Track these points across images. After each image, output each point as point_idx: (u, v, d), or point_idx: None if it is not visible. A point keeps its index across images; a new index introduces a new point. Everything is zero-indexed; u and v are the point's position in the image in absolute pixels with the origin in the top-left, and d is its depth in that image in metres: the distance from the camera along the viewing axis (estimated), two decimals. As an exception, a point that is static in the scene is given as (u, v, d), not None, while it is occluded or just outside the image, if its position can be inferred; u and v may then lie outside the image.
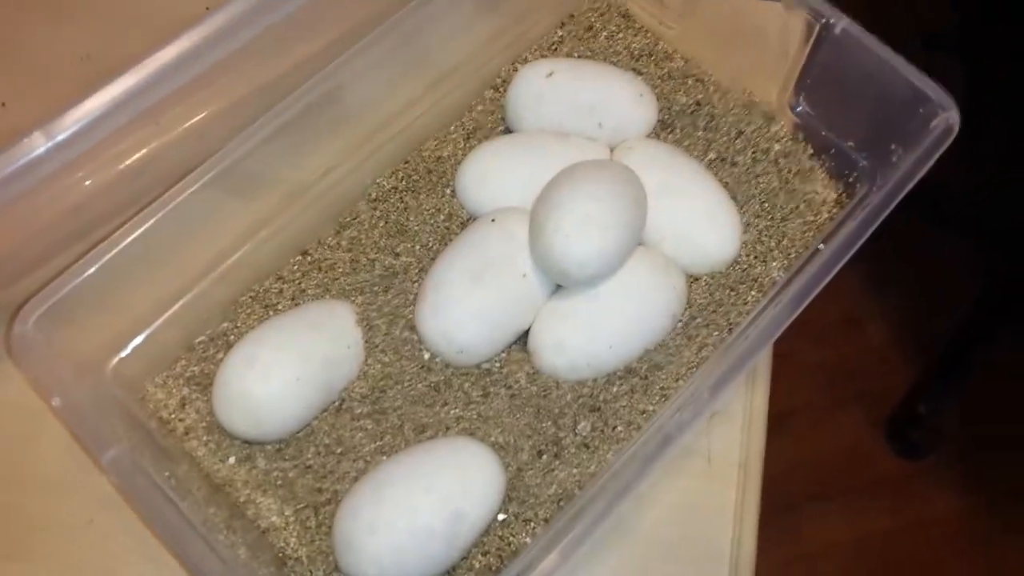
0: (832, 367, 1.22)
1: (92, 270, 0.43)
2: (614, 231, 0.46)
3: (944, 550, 1.12)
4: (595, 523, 0.40)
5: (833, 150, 0.54)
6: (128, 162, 0.51)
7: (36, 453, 0.49)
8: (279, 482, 0.46)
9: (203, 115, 0.53)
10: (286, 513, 0.45)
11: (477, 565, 0.45)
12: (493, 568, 0.45)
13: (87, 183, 0.50)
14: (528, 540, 0.45)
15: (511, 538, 0.45)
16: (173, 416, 0.47)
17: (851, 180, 0.53)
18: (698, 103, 0.56)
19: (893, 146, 0.50)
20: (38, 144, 0.44)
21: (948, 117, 0.48)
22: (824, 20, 0.50)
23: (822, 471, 1.15)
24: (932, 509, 1.14)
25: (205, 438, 0.47)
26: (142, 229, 0.44)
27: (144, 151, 0.52)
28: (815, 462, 1.15)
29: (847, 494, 1.15)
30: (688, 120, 0.56)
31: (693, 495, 0.49)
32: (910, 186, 0.47)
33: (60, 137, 0.44)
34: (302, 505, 0.46)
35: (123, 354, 0.47)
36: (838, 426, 1.19)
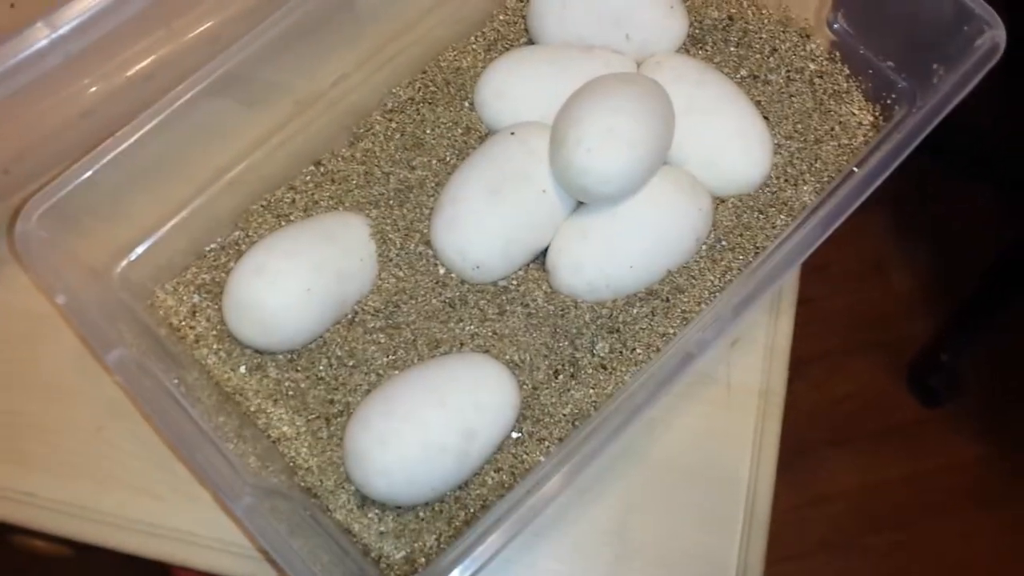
0: (854, 313, 1.20)
1: (97, 167, 0.42)
2: (639, 147, 0.45)
3: (958, 499, 1.11)
4: (608, 440, 0.39)
5: (871, 70, 0.52)
6: (138, 67, 0.50)
7: (44, 359, 0.48)
8: (290, 392, 0.45)
9: (216, 21, 0.51)
10: (297, 423, 0.45)
11: (490, 481, 0.44)
12: (506, 485, 0.44)
13: (94, 88, 0.49)
14: (542, 458, 0.44)
15: (525, 456, 0.44)
16: (183, 324, 0.47)
17: (889, 102, 0.51)
18: (731, 18, 0.54)
19: (935, 66, 0.48)
20: (41, 36, 0.42)
21: (994, 35, 0.46)
22: (867, -69, 0.47)
23: (839, 416, 1.15)
24: (948, 457, 1.13)
25: (216, 346, 0.46)
26: (148, 127, 0.43)
27: (154, 56, 0.50)
28: (832, 407, 1.14)
29: (863, 440, 1.14)
30: (720, 35, 0.53)
31: (712, 422, 0.48)
32: (951, 106, 0.45)
33: (64, 29, 0.43)
34: (313, 416, 0.45)
35: (131, 258, 0.46)
36: (857, 372, 1.18)
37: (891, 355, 1.18)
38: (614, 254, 0.46)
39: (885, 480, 1.13)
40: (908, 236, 1.24)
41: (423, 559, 0.42)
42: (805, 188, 0.50)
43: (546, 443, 0.45)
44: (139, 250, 0.46)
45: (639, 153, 0.45)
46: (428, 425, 0.42)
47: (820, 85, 0.52)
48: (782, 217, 0.49)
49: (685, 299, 0.47)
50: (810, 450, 1.13)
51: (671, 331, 0.47)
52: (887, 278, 1.23)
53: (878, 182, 0.43)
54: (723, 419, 0.48)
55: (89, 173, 0.42)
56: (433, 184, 0.50)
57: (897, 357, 1.18)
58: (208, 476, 0.36)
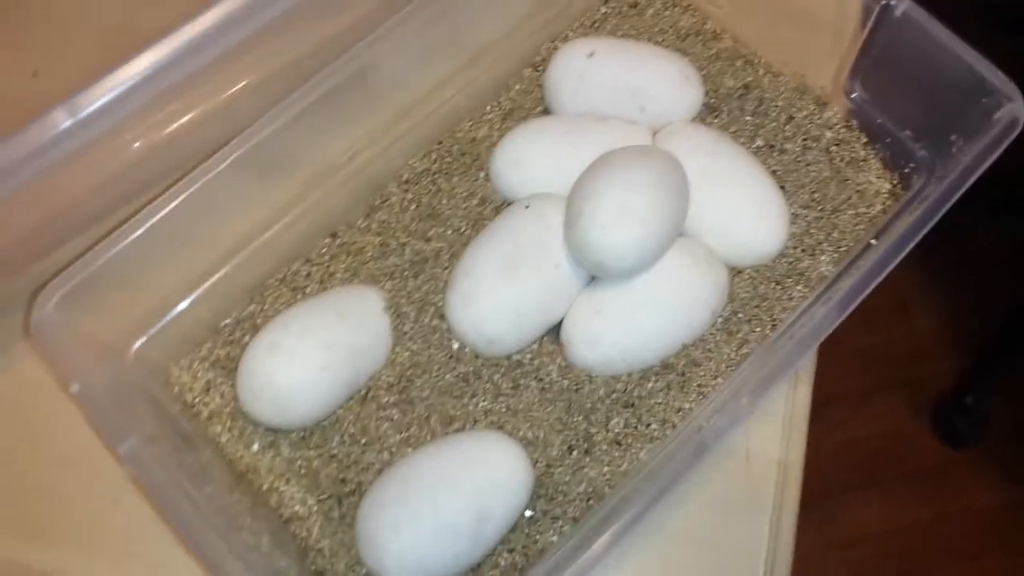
0: (877, 352, 1.18)
1: (115, 251, 0.42)
2: (653, 223, 0.44)
3: (983, 543, 1.09)
4: (627, 527, 0.39)
5: (889, 139, 0.51)
6: (154, 139, 0.50)
7: (60, 432, 0.48)
8: (303, 471, 0.45)
9: (231, 92, 0.51)
10: (309, 503, 0.45)
11: (503, 563, 0.44)
12: (519, 567, 0.43)
13: (112, 160, 0.49)
14: (555, 539, 0.44)
15: (538, 536, 0.44)
16: (198, 400, 0.47)
17: (907, 171, 0.51)
18: (747, 86, 0.54)
19: (953, 137, 0.48)
20: (61, 120, 0.42)
21: (1013, 108, 0.45)
22: (884, 1, 0.47)
23: (861, 458, 1.13)
24: (972, 501, 1.12)
25: (229, 424, 0.46)
26: (167, 210, 0.43)
27: (171, 128, 0.51)
28: (855, 449, 1.13)
29: (886, 482, 1.13)
30: (736, 104, 0.53)
31: (729, 494, 0.48)
32: (971, 181, 0.45)
33: (85, 112, 0.43)
34: (325, 495, 0.45)
35: (147, 337, 0.46)
36: (880, 413, 1.16)
37: (915, 396, 1.17)
38: (629, 328, 0.46)
39: (908, 523, 1.11)
40: (933, 274, 1.22)
41: (436, 643, 0.42)
42: (823, 258, 0.49)
43: (560, 522, 0.44)
44: (155, 327, 0.46)
45: (653, 229, 0.44)
46: (441, 508, 0.41)
47: (837, 153, 0.52)
48: (799, 288, 0.49)
49: (701, 373, 0.47)
50: (833, 492, 1.11)
51: (687, 406, 0.46)
52: (911, 317, 1.22)
53: (897, 259, 0.43)
54: (741, 490, 0.48)
55: (106, 257, 0.42)
56: (448, 256, 0.50)
57: (921, 398, 1.17)
58: (216, 571, 0.36)
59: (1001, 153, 0.45)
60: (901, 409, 1.17)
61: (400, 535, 0.41)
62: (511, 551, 0.44)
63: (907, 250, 0.43)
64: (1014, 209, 1.20)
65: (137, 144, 0.50)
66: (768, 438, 0.49)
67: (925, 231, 0.44)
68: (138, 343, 0.46)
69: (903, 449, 1.15)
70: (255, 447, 0.45)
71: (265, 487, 0.45)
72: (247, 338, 0.47)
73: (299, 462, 0.45)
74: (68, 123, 0.44)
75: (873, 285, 0.43)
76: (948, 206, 0.44)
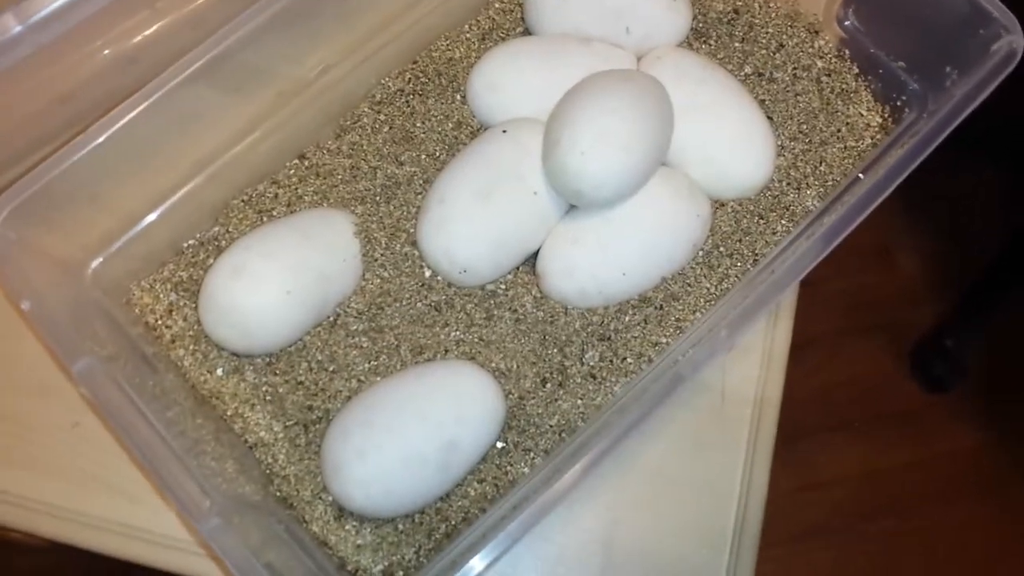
0: (856, 296, 1.18)
1: (69, 163, 0.40)
2: (635, 151, 0.43)
3: (958, 486, 1.10)
4: (598, 459, 0.38)
5: (881, 70, 0.50)
6: (120, 49, 0.48)
7: (18, 354, 0.47)
8: (268, 397, 0.44)
9: (201, 1, 0.49)
10: (275, 429, 0.44)
11: (472, 493, 0.43)
12: (488, 496, 0.43)
13: (74, 71, 0.47)
14: (527, 470, 0.43)
15: (509, 467, 0.43)
16: (160, 323, 0.45)
17: (899, 104, 0.49)
18: (736, 11, 0.52)
19: (948, 69, 0.46)
20: (11, 25, 0.40)
21: (1012, 40, 0.43)
22: (882, -76, 0.45)
23: (838, 401, 1.13)
24: (949, 444, 1.12)
25: (192, 347, 0.45)
26: (125, 120, 0.41)
27: (138, 38, 0.48)
28: (832, 391, 1.13)
29: (862, 425, 1.13)
30: (724, 29, 0.51)
31: (704, 430, 0.47)
32: (964, 115, 0.43)
33: (37, 16, 0.41)
34: (292, 422, 0.44)
35: (105, 255, 0.44)
36: (858, 356, 1.16)
37: (894, 339, 1.16)
38: (607, 260, 0.45)
39: (884, 466, 1.11)
40: (916, 219, 1.21)
41: (402, 573, 0.41)
42: (809, 192, 0.48)
43: (531, 454, 0.43)
44: (115, 245, 0.45)
45: (635, 157, 0.43)
46: (409, 437, 0.40)
47: (827, 84, 0.50)
48: (783, 223, 0.47)
49: (679, 307, 0.46)
50: (808, 434, 1.11)
51: (664, 340, 0.45)
52: (893, 261, 1.21)
53: (885, 195, 0.41)
54: (716, 428, 0.47)
55: (61, 168, 0.40)
56: (421, 181, 0.48)
57: (900, 341, 1.16)
58: (174, 497, 0.35)
59: (992, 91, 0.43)
60: (880, 352, 1.16)
61: (366, 463, 0.40)
62: (481, 481, 0.43)
63: (895, 185, 0.42)
64: (1002, 151, 1.19)
65: (100, 55, 0.48)
66: (745, 376, 0.48)
67: (914, 166, 0.42)
68: (96, 262, 0.44)
69: (881, 392, 1.15)
70: (219, 372, 0.44)
71: (229, 413, 0.44)
72: (210, 260, 0.46)
73: (264, 388, 0.44)
74: (18, 28, 0.42)
75: (859, 220, 0.41)
76: (939, 141, 0.43)
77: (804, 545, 1.07)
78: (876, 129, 0.49)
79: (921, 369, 1.14)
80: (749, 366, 0.48)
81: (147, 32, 0.49)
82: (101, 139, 0.41)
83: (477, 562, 0.36)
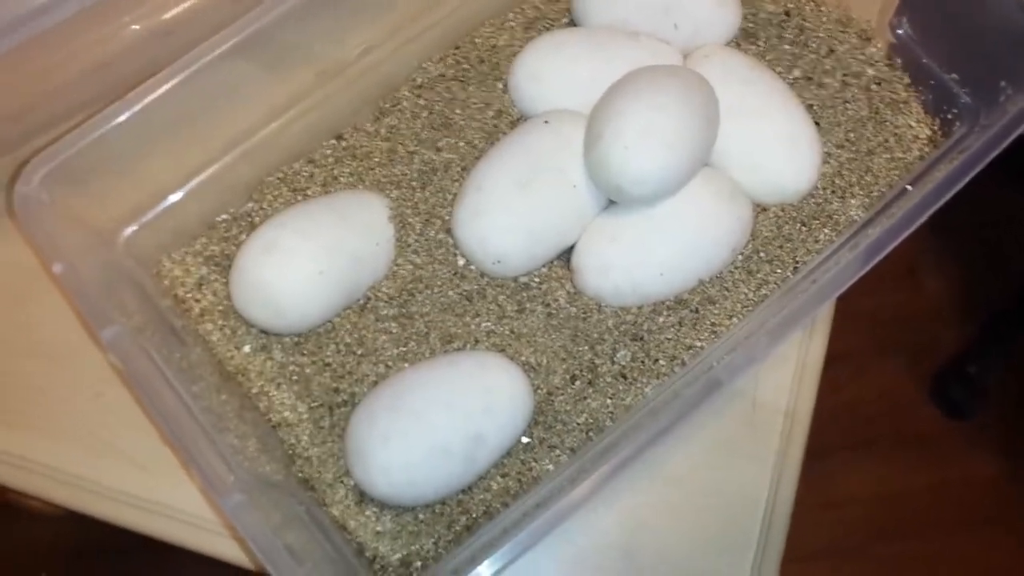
0: (882, 315, 1.16)
1: (106, 128, 0.39)
2: (679, 148, 0.42)
3: (974, 514, 1.09)
4: (625, 462, 0.37)
5: (933, 81, 0.49)
6: (158, 21, 0.48)
7: (45, 318, 0.46)
8: (295, 377, 0.44)
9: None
10: (299, 410, 0.43)
11: (495, 487, 0.42)
12: (511, 491, 0.42)
13: (112, 40, 0.47)
14: (551, 467, 0.42)
15: (533, 463, 0.42)
16: (189, 296, 0.45)
17: (949, 117, 0.48)
18: (787, 13, 0.51)
19: (1002, 84, 0.45)
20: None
21: (1069, 57, 0.42)
22: (942, -69, 0.44)
23: (860, 420, 1.12)
24: (967, 471, 1.11)
25: (221, 322, 0.44)
26: (162, 90, 0.40)
27: (175, 11, 0.48)
28: (854, 410, 1.12)
29: (882, 446, 1.12)
30: (774, 31, 0.50)
31: (733, 439, 0.46)
32: (1018, 132, 0.42)
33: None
34: (317, 403, 0.43)
35: (138, 225, 0.44)
36: (881, 376, 1.15)
37: (917, 362, 1.15)
38: (644, 258, 0.44)
39: (901, 489, 1.10)
40: (945, 241, 1.20)
41: (419, 563, 0.41)
42: (853, 202, 0.47)
43: (557, 451, 0.43)
44: (148, 216, 0.44)
45: (678, 154, 0.42)
46: (435, 426, 0.40)
47: (877, 92, 0.49)
48: (826, 231, 0.46)
49: (716, 311, 0.45)
50: (827, 452, 1.10)
51: (698, 344, 0.44)
52: (920, 282, 1.19)
53: (932, 210, 0.41)
54: (745, 437, 0.46)
55: (97, 134, 0.39)
56: (459, 168, 0.47)
57: (923, 364, 1.15)
58: (198, 470, 0.34)
59: None
60: (903, 374, 1.15)
61: (390, 450, 0.39)
62: (504, 476, 0.42)
63: (943, 201, 0.41)
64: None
65: (138, 25, 0.48)
66: (778, 386, 0.47)
67: (965, 181, 0.41)
68: (129, 230, 0.44)
69: (902, 414, 1.14)
70: (247, 348, 0.44)
71: (255, 390, 0.43)
72: (243, 236, 0.45)
73: (291, 367, 0.44)
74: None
75: (904, 235, 0.40)
76: (990, 159, 0.42)
77: (817, 565, 1.06)
78: (925, 141, 0.48)
79: (942, 394, 1.13)
80: (783, 376, 0.47)
81: (186, 4, 0.48)
82: (138, 107, 0.41)
83: (496, 560, 0.35)
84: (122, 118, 0.40)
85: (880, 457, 1.11)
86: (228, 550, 0.44)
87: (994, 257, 1.18)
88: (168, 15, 0.48)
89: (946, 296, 1.18)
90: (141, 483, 0.44)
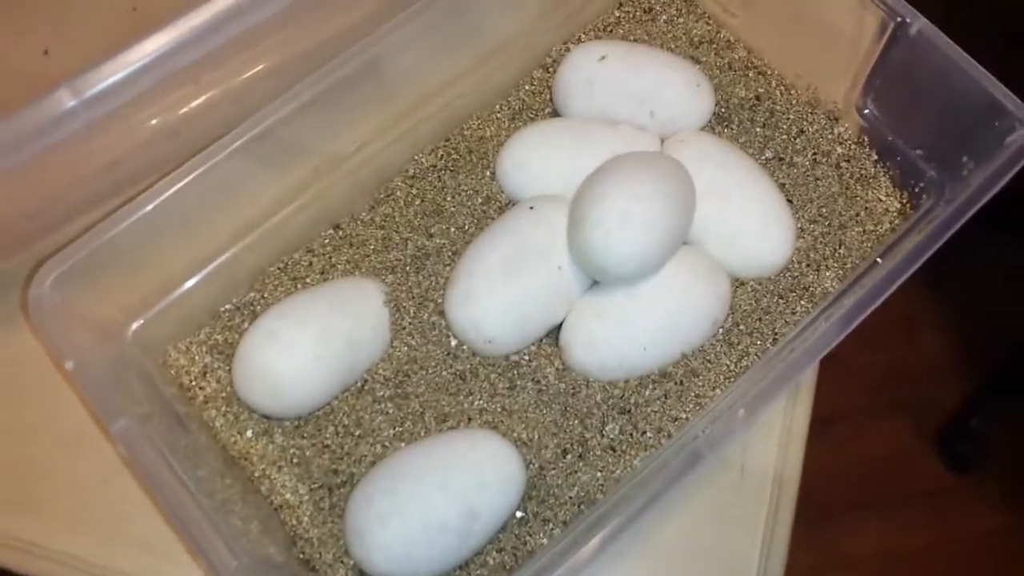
0: (881, 372, 1.17)
1: (115, 231, 0.42)
2: (658, 230, 0.44)
3: (984, 569, 1.08)
4: (617, 532, 0.38)
5: (899, 157, 0.51)
6: (164, 122, 0.50)
7: (55, 409, 0.48)
8: (295, 459, 0.45)
9: (243, 77, 0.51)
10: (300, 491, 0.45)
11: (491, 562, 0.43)
12: (507, 567, 0.43)
13: (122, 141, 0.49)
14: (545, 541, 0.44)
15: (528, 537, 0.44)
16: (194, 384, 0.47)
17: (917, 191, 0.50)
18: (758, 97, 0.53)
19: (965, 158, 0.47)
20: (66, 99, 0.42)
21: (1026, 134, 0.45)
22: (899, 19, 0.46)
23: (862, 478, 1.12)
24: (974, 525, 1.10)
25: (224, 409, 0.46)
26: (170, 192, 0.43)
27: (181, 111, 0.50)
28: (855, 469, 1.12)
29: (887, 504, 1.12)
30: (746, 115, 0.53)
31: (722, 506, 0.47)
32: (979, 205, 0.44)
33: (91, 92, 0.43)
34: (317, 485, 0.45)
35: (145, 318, 0.46)
36: (882, 433, 1.15)
37: (919, 417, 1.16)
38: (629, 334, 0.46)
39: (908, 545, 1.10)
40: (941, 293, 1.21)
41: (420, 639, 0.42)
42: (827, 274, 0.49)
43: (550, 525, 0.44)
44: (155, 308, 0.46)
45: (657, 235, 0.44)
46: (431, 504, 0.41)
47: (847, 169, 0.51)
48: (803, 303, 0.48)
49: (699, 383, 0.46)
50: (832, 511, 1.10)
51: (683, 415, 0.46)
52: (918, 338, 1.21)
53: (902, 278, 0.43)
54: (735, 504, 0.47)
55: (108, 236, 0.42)
56: (450, 252, 0.49)
57: (925, 420, 1.15)
58: (203, 556, 0.36)
59: (1015, 172, 0.45)
60: (904, 430, 1.16)
61: (388, 529, 0.41)
62: (500, 551, 0.43)
63: (911, 271, 0.43)
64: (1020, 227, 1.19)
65: (147, 125, 0.50)
66: (765, 453, 0.48)
67: (930, 253, 0.43)
68: (136, 324, 0.46)
69: (905, 471, 1.14)
70: (249, 433, 0.45)
71: (257, 474, 0.45)
72: (246, 324, 0.47)
73: (292, 450, 0.45)
74: (73, 103, 0.43)
75: (876, 304, 0.42)
76: (955, 229, 0.44)
77: (825, 627, 1.05)
78: (895, 214, 0.50)
79: (946, 449, 1.13)
80: (768, 443, 0.48)
81: (191, 105, 0.51)
82: (147, 209, 0.43)
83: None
84: (132, 220, 0.42)
85: (885, 515, 1.11)
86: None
87: (990, 309, 1.19)
88: (175, 116, 0.50)
89: (944, 350, 1.19)
90: (148, 566, 0.46)
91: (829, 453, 1.10)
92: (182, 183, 0.43)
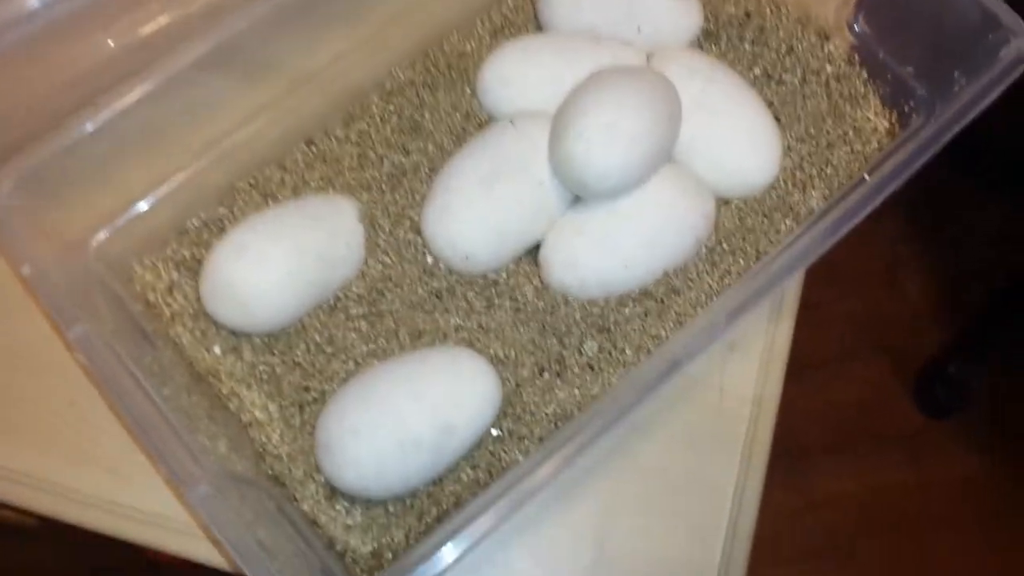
0: (862, 318, 1.18)
1: (75, 137, 0.40)
2: (641, 143, 0.43)
3: (957, 511, 1.10)
4: (589, 443, 0.38)
5: (890, 75, 0.50)
6: (132, 36, 0.48)
7: (20, 329, 0.47)
8: (265, 376, 0.44)
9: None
10: (270, 409, 0.44)
11: (465, 478, 0.43)
12: (481, 483, 0.43)
13: (86, 56, 0.47)
14: (521, 458, 0.43)
15: (503, 454, 0.43)
16: (160, 300, 0.45)
17: (906, 110, 0.49)
18: (748, 14, 0.52)
19: (956, 74, 0.46)
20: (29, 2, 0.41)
21: (1020, 44, 0.43)
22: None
23: (840, 422, 1.13)
24: (949, 469, 1.12)
25: (191, 325, 0.45)
26: (134, 96, 0.41)
27: (151, 26, 0.48)
28: (833, 412, 1.13)
29: (863, 447, 1.13)
30: (735, 31, 0.51)
31: (701, 428, 0.47)
32: (969, 118, 0.43)
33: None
34: (287, 402, 0.44)
35: (109, 231, 0.44)
36: (860, 378, 1.16)
37: (897, 363, 1.16)
38: (610, 252, 0.45)
39: (884, 488, 1.11)
40: (923, 243, 1.21)
41: (390, 554, 0.41)
42: (813, 193, 0.48)
43: (526, 442, 0.43)
44: (119, 222, 0.45)
45: (641, 150, 0.43)
46: (404, 418, 0.40)
47: (836, 88, 0.50)
48: (787, 222, 0.47)
49: (680, 301, 0.46)
50: (809, 454, 1.11)
51: (663, 334, 0.45)
52: (899, 284, 1.21)
53: (888, 191, 0.42)
54: (713, 425, 0.47)
55: (68, 142, 0.40)
56: (428, 170, 0.48)
57: (904, 365, 1.16)
58: (163, 461, 0.35)
59: (1001, 125, 0.43)
60: (882, 375, 1.16)
61: (360, 444, 0.40)
62: (474, 467, 0.43)
63: (897, 185, 0.42)
64: (1012, 181, 1.19)
65: (112, 42, 0.48)
66: (744, 374, 0.48)
67: (917, 167, 0.42)
68: (100, 237, 0.44)
69: (882, 415, 1.15)
70: (217, 350, 0.44)
71: (225, 391, 0.44)
72: (214, 240, 0.46)
73: (261, 367, 0.44)
74: (36, 4, 0.42)
75: (860, 217, 0.41)
76: (943, 143, 0.43)
77: (800, 567, 1.06)
78: (883, 134, 0.49)
79: (923, 394, 1.14)
80: (748, 364, 0.48)
81: (160, 20, 0.49)
82: (107, 115, 0.41)
83: (463, 539, 0.36)
84: (91, 126, 0.41)
85: (863, 458, 1.11)
86: (203, 552, 0.44)
87: (972, 259, 1.20)
88: (142, 31, 0.48)
89: (926, 297, 1.20)
90: (115, 488, 0.44)
91: (807, 397, 1.10)
92: (145, 88, 0.42)
